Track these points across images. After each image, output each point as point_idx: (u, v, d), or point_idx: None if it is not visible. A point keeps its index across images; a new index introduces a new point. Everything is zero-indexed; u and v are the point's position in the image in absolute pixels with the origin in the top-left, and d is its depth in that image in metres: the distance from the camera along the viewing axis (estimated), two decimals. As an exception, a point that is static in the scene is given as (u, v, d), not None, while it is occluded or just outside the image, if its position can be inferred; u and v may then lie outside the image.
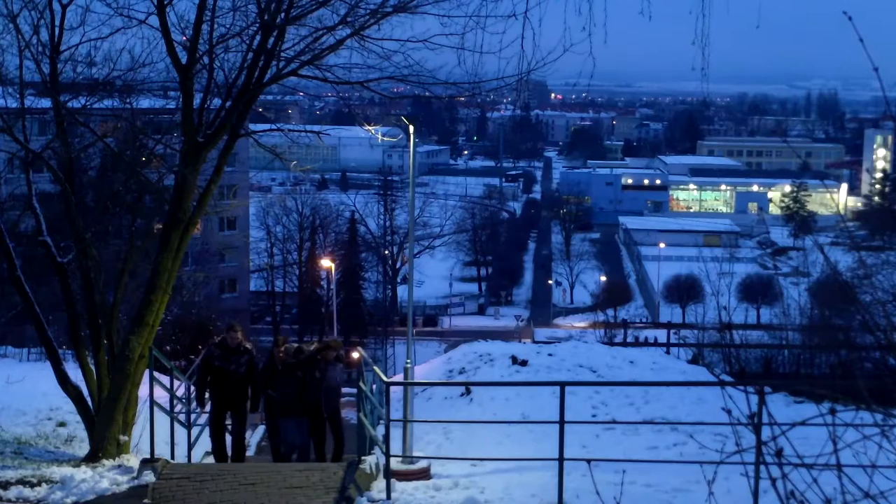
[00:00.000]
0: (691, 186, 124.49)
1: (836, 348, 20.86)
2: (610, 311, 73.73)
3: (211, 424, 12.58)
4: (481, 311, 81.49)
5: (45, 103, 12.64)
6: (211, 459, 12.87)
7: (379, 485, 9.71)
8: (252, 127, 13.52)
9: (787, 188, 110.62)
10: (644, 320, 72.23)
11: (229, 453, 12.59)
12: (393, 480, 9.51)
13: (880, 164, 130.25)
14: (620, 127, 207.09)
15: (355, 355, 10.86)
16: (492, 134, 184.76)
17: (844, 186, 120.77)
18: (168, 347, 24.12)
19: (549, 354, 19.23)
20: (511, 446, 11.79)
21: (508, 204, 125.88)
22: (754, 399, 8.15)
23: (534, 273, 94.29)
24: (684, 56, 8.56)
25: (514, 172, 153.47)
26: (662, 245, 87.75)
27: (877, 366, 18.63)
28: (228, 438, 12.62)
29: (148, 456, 10.68)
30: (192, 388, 12.87)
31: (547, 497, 9.01)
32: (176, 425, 12.59)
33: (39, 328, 12.17)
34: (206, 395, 12.42)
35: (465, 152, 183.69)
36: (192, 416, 13.64)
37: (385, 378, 10.17)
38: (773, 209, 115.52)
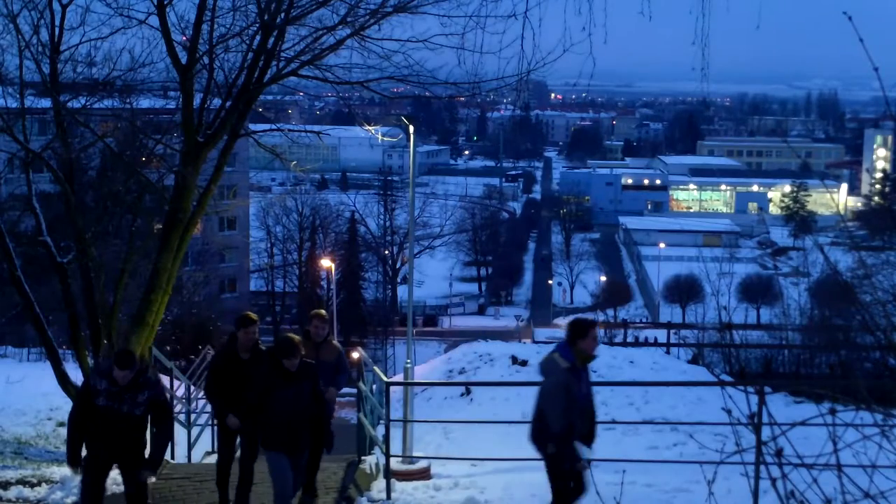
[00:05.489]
0: (691, 186, 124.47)
1: (836, 348, 20.85)
2: (610, 311, 73.73)
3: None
4: (481, 311, 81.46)
5: (45, 103, 12.65)
6: (211, 459, 12.86)
7: (379, 485, 9.71)
8: (252, 127, 13.53)
9: (787, 188, 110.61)
10: (644, 320, 72.21)
11: None
12: (393, 480, 9.51)
13: (880, 164, 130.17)
14: (620, 127, 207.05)
15: (355, 355, 10.73)
16: (492, 134, 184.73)
17: (844, 186, 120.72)
18: (168, 347, 24.13)
19: (549, 354, 19.21)
20: (511, 446, 11.77)
21: (508, 204, 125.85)
22: (754, 399, 8.15)
23: (534, 273, 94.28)
24: (684, 56, 8.57)
25: (514, 172, 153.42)
26: (662, 245, 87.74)
27: (877, 366, 18.63)
28: None
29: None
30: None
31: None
32: (176, 425, 12.57)
33: (39, 328, 12.18)
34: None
35: (466, 152, 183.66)
36: (193, 416, 13.64)
37: (385, 378, 10.17)
38: (773, 209, 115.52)
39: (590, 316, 71.99)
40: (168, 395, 8.25)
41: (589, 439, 7.54)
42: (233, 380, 8.18)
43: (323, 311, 9.49)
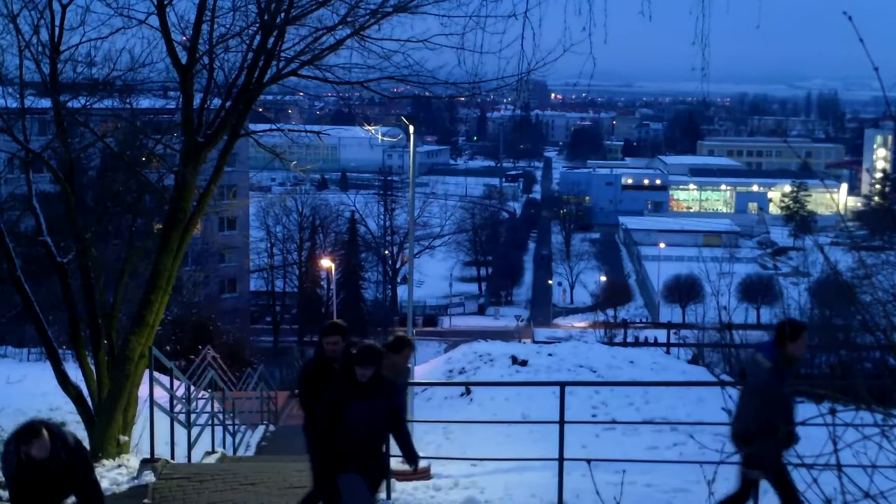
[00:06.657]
0: (691, 186, 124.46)
1: (836, 348, 20.86)
2: (610, 311, 73.75)
3: None
4: (481, 311, 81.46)
5: (45, 103, 12.64)
6: (211, 459, 12.87)
7: (379, 485, 9.70)
8: (252, 127, 13.53)
9: (787, 188, 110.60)
10: (644, 320, 72.27)
11: None
12: (393, 480, 9.50)
13: (880, 164, 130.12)
14: (620, 127, 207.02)
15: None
16: (492, 134, 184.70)
17: (844, 186, 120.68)
18: (168, 347, 24.13)
19: (549, 354, 19.24)
20: (511, 446, 11.78)
21: (508, 204, 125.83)
22: (754, 399, 8.12)
23: (534, 273, 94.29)
24: (684, 56, 8.55)
25: (514, 172, 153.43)
26: (662, 245, 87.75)
27: (877, 366, 18.65)
28: None
29: (148, 456, 10.68)
30: None
31: (547, 497, 9.00)
32: (176, 425, 12.58)
33: (39, 328, 12.17)
34: None
35: (466, 152, 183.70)
36: (193, 417, 13.64)
37: (385, 378, 10.15)
38: (773, 209, 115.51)
39: (594, 315, 71.58)
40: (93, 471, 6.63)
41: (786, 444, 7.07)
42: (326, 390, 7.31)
43: (405, 336, 7.82)
